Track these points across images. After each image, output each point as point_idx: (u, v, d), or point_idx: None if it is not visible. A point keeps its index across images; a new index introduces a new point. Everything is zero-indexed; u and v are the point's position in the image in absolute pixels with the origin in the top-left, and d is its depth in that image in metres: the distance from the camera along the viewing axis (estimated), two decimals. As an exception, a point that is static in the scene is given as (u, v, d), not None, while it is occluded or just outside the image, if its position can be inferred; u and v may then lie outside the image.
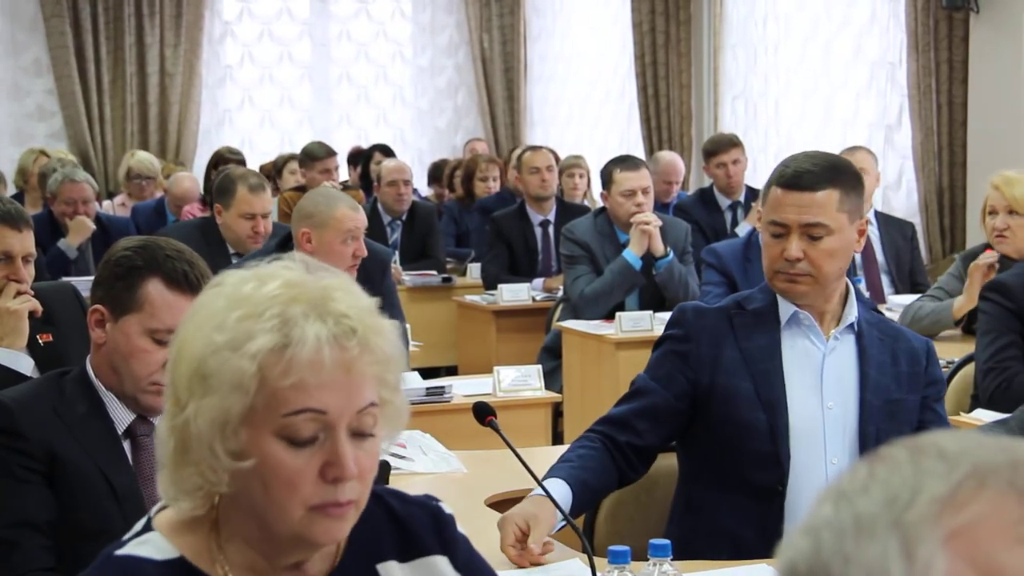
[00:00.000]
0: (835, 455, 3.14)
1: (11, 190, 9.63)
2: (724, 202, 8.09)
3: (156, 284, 2.85)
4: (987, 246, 5.69)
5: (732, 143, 8.24)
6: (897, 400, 3.20)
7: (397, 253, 8.04)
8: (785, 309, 3.19)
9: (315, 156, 9.23)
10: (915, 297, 6.14)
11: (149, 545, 1.75)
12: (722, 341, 3.18)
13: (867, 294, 6.24)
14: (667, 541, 2.58)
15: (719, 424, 3.16)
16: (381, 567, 1.85)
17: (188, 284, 2.87)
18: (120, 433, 2.91)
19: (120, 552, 1.76)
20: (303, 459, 1.67)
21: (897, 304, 6.36)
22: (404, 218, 8.62)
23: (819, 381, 3.17)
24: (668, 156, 9.41)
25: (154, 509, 1.81)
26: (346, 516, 1.71)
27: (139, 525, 1.80)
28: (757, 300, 3.24)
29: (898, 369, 3.21)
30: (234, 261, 6.03)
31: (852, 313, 3.20)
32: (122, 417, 2.91)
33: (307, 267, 1.74)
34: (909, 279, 6.83)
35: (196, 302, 1.77)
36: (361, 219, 5.14)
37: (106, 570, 1.74)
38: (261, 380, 1.65)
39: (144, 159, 10.49)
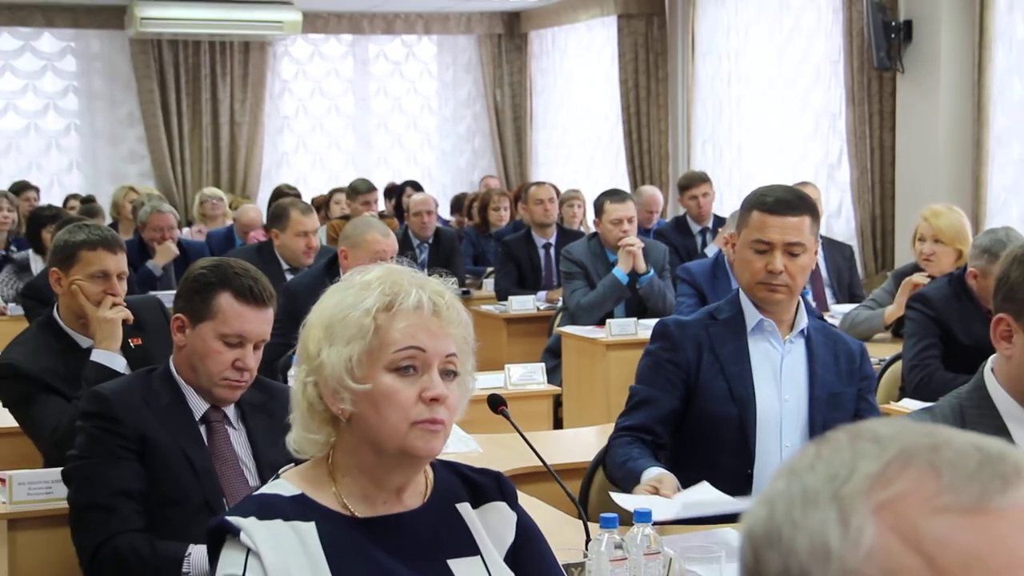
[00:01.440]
0: (789, 440, 3.13)
1: (107, 220, 9.65)
2: (695, 228, 8.08)
3: (227, 297, 2.87)
4: (916, 267, 5.68)
5: (703, 179, 8.22)
6: (839, 393, 3.19)
7: (425, 271, 8.02)
8: (751, 318, 3.17)
9: (358, 190, 9.42)
10: (853, 306, 6.14)
11: (277, 488, 1.92)
12: (702, 348, 3.16)
13: (813, 304, 6.23)
14: (648, 509, 2.56)
15: (698, 417, 3.15)
16: (459, 506, 2.00)
17: (253, 296, 2.88)
18: (197, 419, 2.91)
19: (256, 493, 1.96)
20: (406, 385, 1.86)
21: (838, 312, 6.35)
22: (431, 242, 8.62)
23: (778, 378, 3.15)
24: (650, 190, 9.40)
25: (281, 469, 2.00)
26: (439, 433, 1.88)
27: (271, 479, 1.99)
28: (725, 311, 3.22)
29: (839, 367, 3.20)
30: (287, 277, 6.05)
31: (803, 321, 3.20)
32: (199, 406, 2.92)
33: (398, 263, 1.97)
34: (848, 292, 6.83)
35: (319, 301, 1.95)
36: (390, 244, 5.10)
37: (247, 504, 1.90)
38: (375, 329, 1.85)
39: (210, 190, 10.64)
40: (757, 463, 3.10)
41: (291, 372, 4.36)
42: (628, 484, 2.98)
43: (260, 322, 2.90)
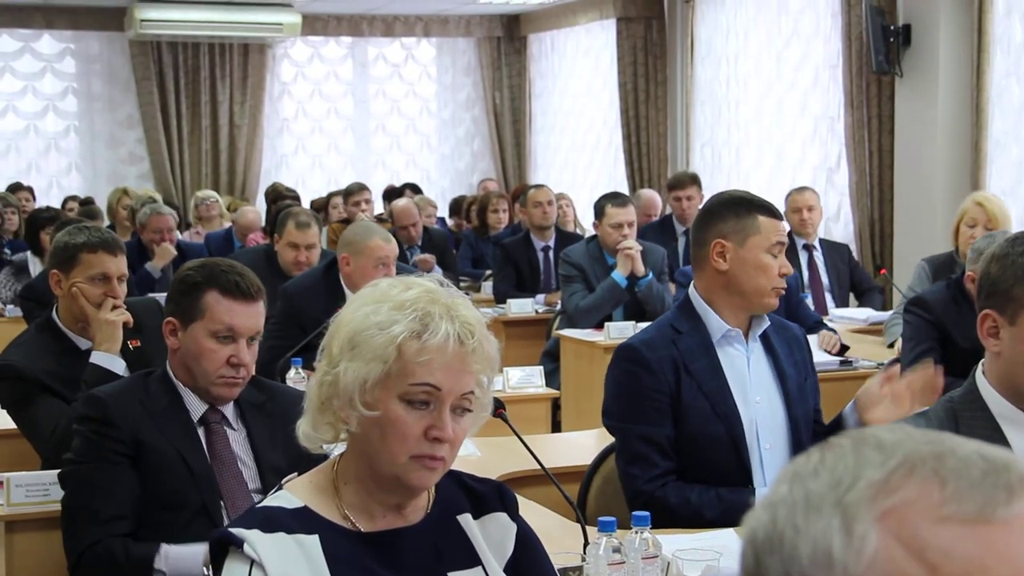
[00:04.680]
0: (767, 441, 3.06)
1: (105, 223, 9.64)
2: (680, 229, 8.04)
3: (214, 294, 2.87)
4: (952, 256, 5.61)
5: (691, 181, 8.14)
6: (802, 384, 3.14)
7: (417, 272, 7.96)
8: (717, 328, 3.07)
9: (350, 191, 9.55)
10: (851, 311, 6.11)
11: (280, 499, 1.91)
12: (678, 366, 3.03)
13: (812, 307, 6.23)
14: (647, 512, 2.53)
15: (688, 439, 3.03)
16: (460, 518, 1.99)
17: (240, 291, 2.88)
18: (196, 421, 2.91)
19: (260, 505, 1.94)
20: (415, 419, 1.84)
21: (838, 316, 6.35)
22: (420, 244, 8.60)
23: (748, 382, 3.08)
24: (648, 193, 9.39)
25: (284, 479, 1.97)
26: (436, 469, 1.87)
27: (273, 490, 1.95)
28: (685, 323, 3.09)
29: (794, 357, 3.15)
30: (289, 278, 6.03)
31: (765, 320, 3.13)
32: (197, 408, 2.91)
33: (439, 283, 1.92)
34: (858, 287, 6.87)
35: (356, 295, 1.93)
36: (391, 249, 5.10)
37: (250, 516, 1.89)
38: (398, 355, 1.82)
39: (204, 192, 10.71)
40: (751, 471, 3.04)
41: (289, 375, 4.38)
42: (739, 505, 2.87)
43: (250, 316, 2.90)
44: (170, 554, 2.74)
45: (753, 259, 3.04)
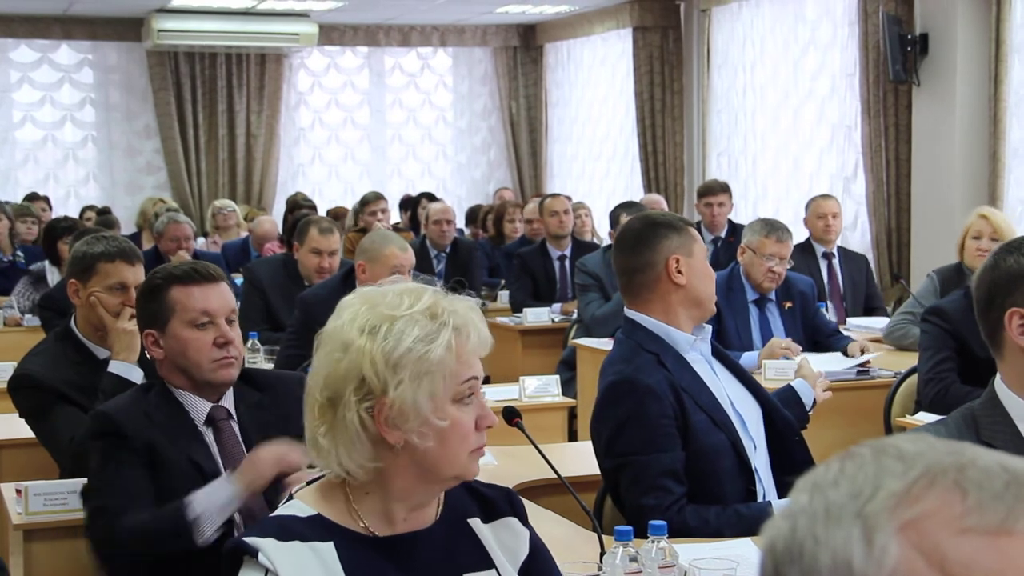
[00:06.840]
0: (755, 434, 3.09)
1: (127, 229, 9.72)
2: (708, 236, 8.02)
3: (177, 288, 2.93)
4: (960, 267, 5.63)
5: (721, 189, 8.14)
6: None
7: (441, 282, 7.98)
8: (684, 342, 3.08)
9: (366, 201, 9.61)
10: (868, 319, 6.08)
11: (293, 508, 1.90)
12: (674, 386, 3.01)
13: (834, 319, 6.20)
14: (663, 522, 2.53)
15: (695, 455, 3.00)
16: (471, 521, 2.00)
17: (200, 276, 2.94)
18: (203, 422, 2.92)
19: (272, 515, 1.93)
20: (469, 415, 1.88)
21: (855, 325, 6.32)
22: (448, 251, 8.61)
23: (720, 384, 3.10)
24: (651, 198, 9.37)
25: (292, 489, 1.97)
26: (482, 456, 1.92)
27: (284, 500, 1.96)
28: (651, 344, 3.07)
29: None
30: (307, 286, 6.05)
31: (703, 325, 3.18)
32: (201, 409, 2.93)
33: (424, 283, 1.94)
34: (865, 304, 6.80)
35: (346, 325, 1.86)
36: (407, 258, 5.06)
37: (264, 525, 1.88)
38: (454, 360, 1.84)
39: (222, 201, 10.75)
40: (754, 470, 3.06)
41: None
42: (759, 521, 2.81)
43: (219, 296, 2.94)
44: (193, 500, 2.71)
45: (701, 267, 3.15)
